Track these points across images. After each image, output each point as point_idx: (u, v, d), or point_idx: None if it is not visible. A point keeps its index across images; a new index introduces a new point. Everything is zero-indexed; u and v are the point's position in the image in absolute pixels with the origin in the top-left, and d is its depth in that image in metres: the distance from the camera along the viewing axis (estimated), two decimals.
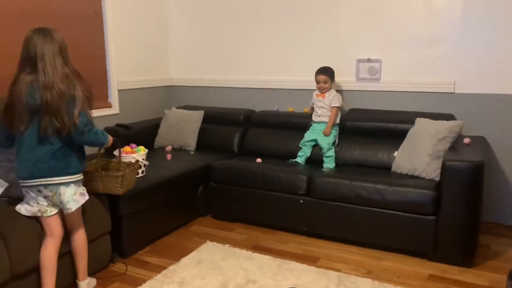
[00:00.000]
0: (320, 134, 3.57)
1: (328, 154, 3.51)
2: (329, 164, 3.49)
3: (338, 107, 3.57)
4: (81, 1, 3.70)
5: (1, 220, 2.16)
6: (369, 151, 3.48)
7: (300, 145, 3.66)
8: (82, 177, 2.33)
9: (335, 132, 3.58)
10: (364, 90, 3.82)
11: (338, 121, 3.61)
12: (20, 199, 2.36)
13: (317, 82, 3.62)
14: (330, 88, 3.62)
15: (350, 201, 3.06)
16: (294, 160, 3.63)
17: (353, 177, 3.11)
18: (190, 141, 4.07)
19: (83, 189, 2.34)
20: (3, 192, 2.40)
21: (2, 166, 2.47)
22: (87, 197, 2.35)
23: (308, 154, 3.61)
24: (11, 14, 3.18)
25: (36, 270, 2.25)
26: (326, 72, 3.61)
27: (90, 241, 2.54)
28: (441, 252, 2.83)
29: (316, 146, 3.61)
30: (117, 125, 3.97)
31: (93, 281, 2.56)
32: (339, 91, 3.77)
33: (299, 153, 3.64)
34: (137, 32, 4.30)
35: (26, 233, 2.21)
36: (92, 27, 3.84)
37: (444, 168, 2.76)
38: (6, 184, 2.40)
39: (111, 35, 3.96)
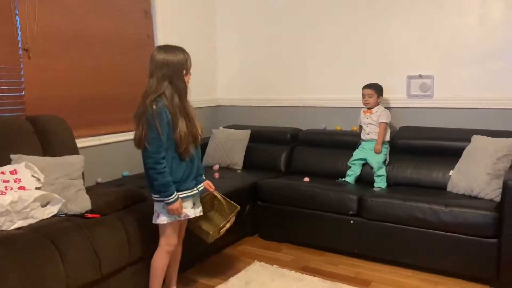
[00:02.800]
0: (370, 153, 3.48)
1: (378, 173, 3.41)
2: (380, 183, 3.38)
3: (386, 123, 3.47)
4: (134, 25, 3.87)
5: (59, 235, 2.23)
6: (422, 170, 3.34)
7: (349, 164, 3.59)
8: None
9: (385, 150, 3.48)
10: (415, 107, 3.71)
11: (388, 138, 3.51)
12: (77, 216, 2.44)
13: (363, 96, 3.56)
14: (378, 104, 3.53)
15: (403, 222, 2.94)
16: (343, 179, 3.55)
17: (406, 197, 2.99)
18: (237, 160, 4.09)
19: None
20: (60, 209, 2.48)
21: (60, 182, 2.57)
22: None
23: (358, 173, 3.52)
24: (68, 38, 3.35)
25: (90, 286, 2.30)
26: (372, 87, 3.54)
27: (140, 259, 2.57)
28: (505, 278, 2.65)
29: (365, 165, 3.52)
30: None
31: None
32: (389, 108, 3.68)
33: (348, 172, 3.56)
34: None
35: (82, 249, 2.27)
36: (145, 50, 3.98)
37: (506, 188, 2.60)
38: (62, 201, 2.49)
39: None
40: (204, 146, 4.26)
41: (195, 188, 2.45)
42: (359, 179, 3.52)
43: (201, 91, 4.65)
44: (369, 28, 3.86)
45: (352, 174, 3.53)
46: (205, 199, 2.71)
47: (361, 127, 3.64)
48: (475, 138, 3.14)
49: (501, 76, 3.37)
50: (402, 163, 3.45)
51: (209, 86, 4.77)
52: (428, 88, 3.65)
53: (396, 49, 3.76)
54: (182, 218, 2.41)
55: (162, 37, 4.07)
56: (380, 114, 3.49)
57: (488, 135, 3.11)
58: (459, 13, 3.47)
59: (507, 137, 3.04)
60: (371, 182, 3.43)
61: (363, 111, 3.60)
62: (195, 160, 2.44)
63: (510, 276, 2.63)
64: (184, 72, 2.53)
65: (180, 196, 2.33)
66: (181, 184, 2.34)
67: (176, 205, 2.29)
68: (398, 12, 3.71)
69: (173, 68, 2.44)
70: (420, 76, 3.66)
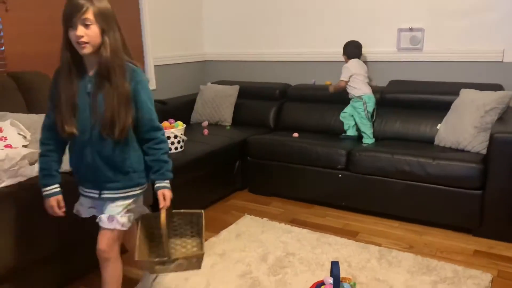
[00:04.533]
0: (353, 111, 3.50)
1: (362, 129, 3.41)
2: (366, 139, 3.40)
3: (341, 80, 3.51)
4: None
5: None
6: (410, 124, 3.37)
7: (341, 119, 3.58)
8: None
9: (361, 105, 3.43)
10: (405, 61, 3.68)
11: (366, 92, 3.45)
12: (67, 173, 2.43)
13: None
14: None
15: (391, 175, 2.99)
16: (344, 134, 3.54)
17: (394, 150, 3.03)
18: (226, 116, 4.07)
19: None
20: None
21: None
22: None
23: (354, 123, 3.51)
24: None
25: None
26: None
27: None
28: (487, 227, 2.75)
29: None
30: (155, 100, 4.00)
31: None
32: (378, 62, 3.66)
33: (345, 126, 3.55)
34: (171, 7, 4.27)
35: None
36: (128, 3, 3.84)
37: (492, 141, 2.65)
38: None
39: (146, 10, 3.96)
40: (192, 103, 4.22)
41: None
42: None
43: (187, 46, 4.55)
44: None
45: (349, 127, 3.53)
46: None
47: None
48: (464, 92, 3.15)
49: (491, 28, 3.34)
50: (390, 117, 3.46)
51: (195, 40, 4.66)
52: (419, 41, 3.61)
53: (386, 1, 3.68)
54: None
55: None
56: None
57: (476, 89, 3.11)
58: None
59: (495, 90, 3.05)
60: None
61: None
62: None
63: (491, 226, 2.73)
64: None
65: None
66: None
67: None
68: None
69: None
70: (411, 29, 3.62)
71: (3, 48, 2.96)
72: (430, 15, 3.53)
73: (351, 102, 3.53)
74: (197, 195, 3.25)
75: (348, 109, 3.56)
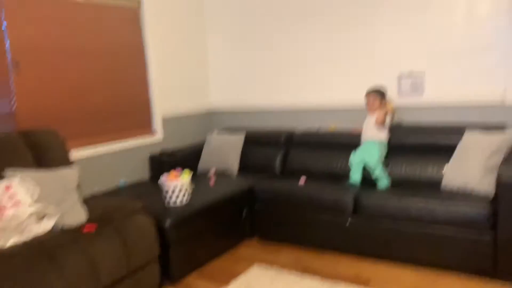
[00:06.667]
0: (365, 153, 3.46)
1: (375, 172, 3.39)
2: (381, 182, 3.35)
3: (386, 113, 3.47)
4: (125, 35, 3.87)
5: (55, 250, 2.22)
6: (417, 167, 3.35)
7: (350, 166, 3.55)
8: None
9: (378, 150, 3.43)
10: (407, 106, 3.72)
11: (384, 138, 3.50)
12: (74, 229, 2.44)
13: (367, 102, 3.57)
14: (380, 108, 3.51)
15: (400, 219, 2.95)
16: (350, 181, 3.48)
17: (401, 195, 3.01)
18: (233, 164, 4.10)
19: None
20: (56, 222, 2.48)
21: (55, 195, 2.56)
22: None
23: (360, 172, 3.47)
24: (59, 50, 3.35)
25: None
26: (373, 91, 3.56)
27: (139, 268, 2.58)
28: (502, 270, 2.66)
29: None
30: (162, 152, 4.07)
31: None
32: None
33: (351, 174, 3.50)
34: (178, 60, 4.42)
35: (79, 263, 2.26)
36: (136, 59, 3.99)
37: (500, 183, 2.62)
38: (58, 215, 2.48)
39: (153, 65, 4.10)
40: (199, 152, 4.27)
41: None
42: (363, 179, 3.46)
43: (194, 97, 4.66)
44: (359, 29, 3.87)
45: (355, 174, 3.48)
46: None
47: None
48: (468, 134, 3.16)
49: (491, 70, 3.38)
50: (396, 161, 3.46)
51: (202, 92, 4.78)
52: (419, 86, 3.66)
53: (385, 49, 3.78)
54: None
55: (152, 46, 4.08)
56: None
57: (480, 130, 3.13)
58: (446, 9, 3.49)
59: (499, 130, 3.06)
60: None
61: (368, 113, 3.60)
62: None
63: (507, 268, 2.65)
64: None
65: None
66: None
67: None
68: (387, 12, 3.72)
69: None
70: (410, 75, 3.68)
71: (14, 107, 3.06)
72: (429, 61, 3.60)
73: (366, 145, 3.48)
74: (204, 246, 3.22)
75: (360, 153, 3.49)
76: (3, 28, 2.99)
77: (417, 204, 2.88)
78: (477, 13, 3.39)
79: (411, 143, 3.48)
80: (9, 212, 2.24)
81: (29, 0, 3.13)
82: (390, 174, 3.42)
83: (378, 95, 3.55)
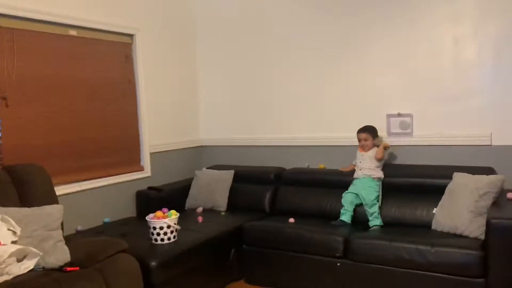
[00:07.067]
0: (362, 190, 3.45)
1: (371, 210, 3.37)
2: (374, 221, 3.34)
3: (385, 148, 3.57)
4: (115, 70, 3.87)
5: None
6: (406, 208, 3.35)
7: (342, 203, 3.52)
8: None
9: (377, 187, 3.45)
10: (396, 145, 3.75)
11: (381, 175, 3.51)
12: (56, 269, 2.36)
13: (359, 140, 3.61)
14: (374, 146, 3.57)
15: (390, 263, 2.91)
16: (339, 220, 3.45)
17: (392, 237, 2.98)
18: (221, 201, 4.04)
19: None
20: (37, 262, 2.39)
21: (38, 234, 2.48)
22: None
23: (352, 212, 3.45)
24: (48, 84, 3.33)
25: None
26: (366, 130, 3.60)
27: None
28: None
29: (359, 205, 3.47)
30: (149, 188, 4.01)
31: None
32: None
33: (342, 211, 3.48)
34: (168, 96, 4.43)
35: None
36: (126, 95, 3.98)
37: (489, 227, 2.61)
38: (39, 254, 2.39)
39: (143, 101, 4.10)
40: (187, 188, 4.21)
41: None
42: (353, 220, 3.45)
43: (184, 132, 4.64)
44: (348, 68, 3.95)
45: (346, 213, 3.46)
46: None
47: (354, 165, 3.64)
48: (456, 176, 3.17)
49: (477, 113, 3.45)
50: (386, 202, 3.44)
51: (192, 127, 4.77)
52: (408, 125, 3.71)
53: (375, 89, 3.84)
54: None
55: (143, 81, 4.09)
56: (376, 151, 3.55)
57: (468, 172, 3.15)
58: (435, 53, 3.58)
59: (487, 174, 3.08)
60: (365, 221, 3.38)
61: (360, 149, 3.62)
62: None
63: None
64: None
65: None
66: None
67: None
68: (377, 52, 3.81)
69: None
70: (399, 115, 3.73)
71: (0, 142, 3.01)
72: (417, 101, 3.67)
73: (364, 183, 3.47)
74: (192, 287, 3.12)
75: (353, 190, 3.50)
76: None
77: (408, 248, 2.85)
78: (464, 59, 3.48)
79: (401, 183, 3.48)
80: None
81: (19, 33, 3.13)
82: (379, 213, 3.40)
83: (370, 133, 3.58)
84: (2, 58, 3.02)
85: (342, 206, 3.51)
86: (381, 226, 3.33)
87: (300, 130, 4.25)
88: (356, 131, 3.66)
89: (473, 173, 3.10)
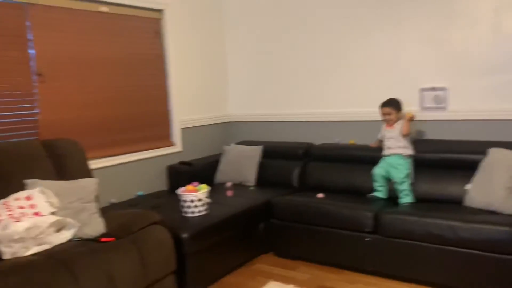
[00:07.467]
0: (392, 168, 3.41)
1: (401, 187, 3.33)
2: (405, 198, 3.31)
3: (410, 119, 3.42)
4: (145, 46, 3.91)
5: (73, 261, 2.23)
6: (439, 184, 3.28)
7: (373, 179, 3.49)
8: None
9: (406, 164, 3.39)
10: (430, 120, 3.65)
11: (411, 152, 3.42)
12: (92, 240, 2.46)
13: (382, 115, 3.52)
14: (398, 119, 3.47)
15: (420, 239, 2.88)
16: (373, 194, 3.45)
17: (423, 213, 2.94)
18: (250, 176, 4.08)
19: None
20: (74, 233, 2.49)
21: (74, 206, 2.58)
22: None
23: (387, 186, 3.43)
24: (81, 61, 3.40)
25: None
26: (389, 104, 3.49)
27: (156, 281, 2.57)
28: None
29: (391, 181, 3.43)
30: (180, 162, 4.08)
31: None
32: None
33: (378, 187, 3.46)
34: (196, 72, 4.44)
35: (97, 274, 2.26)
36: (156, 70, 4.02)
37: None
38: (77, 225, 2.50)
39: (173, 76, 4.13)
40: (216, 163, 4.26)
41: None
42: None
43: (212, 108, 4.67)
44: (381, 41, 3.84)
45: (381, 189, 3.44)
46: None
47: (381, 141, 3.58)
48: (492, 151, 3.07)
49: None
50: (418, 178, 3.38)
51: (221, 102, 4.79)
52: (442, 100, 3.60)
53: (408, 62, 3.73)
54: None
55: (172, 57, 4.11)
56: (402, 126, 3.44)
57: (505, 148, 3.04)
58: (472, 24, 3.43)
59: None
60: (396, 197, 3.36)
61: (385, 125, 3.54)
62: None
63: None
64: None
65: None
66: None
67: None
68: (410, 24, 3.68)
69: None
70: (433, 89, 3.62)
71: (37, 118, 3.11)
72: (453, 74, 3.54)
73: (394, 160, 3.41)
74: (221, 259, 3.20)
75: (383, 167, 3.46)
76: (29, 38, 3.05)
77: (439, 223, 2.81)
78: (504, 30, 3.32)
79: (433, 159, 3.40)
80: (30, 222, 2.26)
81: (54, 10, 3.19)
82: (411, 190, 3.36)
83: (393, 107, 3.48)
84: (37, 35, 3.10)
85: (374, 182, 3.48)
86: (412, 202, 3.29)
87: (330, 105, 4.20)
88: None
89: (510, 149, 3.00)
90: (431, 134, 3.65)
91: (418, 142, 3.58)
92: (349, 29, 3.99)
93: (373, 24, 3.86)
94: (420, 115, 3.65)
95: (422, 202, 3.26)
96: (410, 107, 3.66)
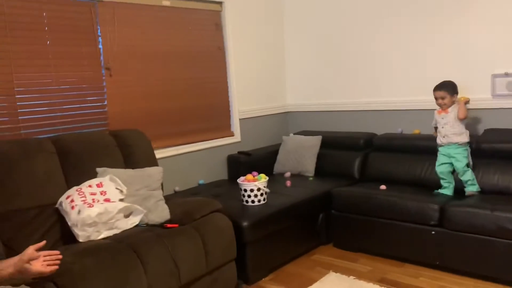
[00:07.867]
0: (452, 159, 3.24)
1: (464, 178, 3.17)
2: (470, 187, 3.15)
3: (466, 102, 3.24)
4: (206, 38, 3.98)
5: (141, 245, 2.34)
6: (510, 176, 3.08)
7: (439, 176, 3.33)
8: None
9: (465, 152, 3.21)
10: (502, 108, 3.42)
11: (467, 139, 3.23)
12: (157, 226, 2.57)
13: (436, 99, 3.32)
14: (453, 103, 3.27)
15: (490, 233, 2.72)
16: (439, 191, 3.28)
17: (494, 206, 2.77)
18: (309, 167, 4.05)
19: None
20: (141, 219, 2.61)
21: (141, 193, 2.70)
22: None
23: (453, 183, 3.26)
24: (145, 55, 3.53)
25: None
26: (443, 87, 3.26)
27: (217, 268, 2.64)
28: None
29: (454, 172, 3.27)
30: (239, 152, 4.14)
31: None
32: (471, 109, 3.42)
33: (444, 184, 3.29)
34: (255, 63, 4.47)
35: (162, 259, 2.36)
36: (216, 62, 4.09)
37: None
38: (143, 212, 2.61)
39: (233, 68, 4.18)
40: (275, 153, 4.27)
41: None
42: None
43: (271, 98, 4.68)
44: (446, 24, 3.64)
45: (449, 185, 3.27)
46: None
47: (436, 129, 3.41)
48: None
49: None
50: (488, 169, 3.19)
51: (279, 92, 4.78)
52: None
53: (477, 46, 3.51)
54: None
55: (232, 48, 4.16)
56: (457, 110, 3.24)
57: None
58: None
59: None
60: (462, 189, 3.21)
61: (437, 111, 3.36)
62: None
63: None
64: None
65: None
66: None
67: None
68: (480, 4, 3.46)
69: None
70: (507, 74, 3.39)
71: (106, 109, 3.28)
72: None
73: (451, 151, 3.24)
74: (280, 249, 3.22)
75: (445, 162, 3.28)
76: (98, 33, 3.21)
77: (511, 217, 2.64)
78: None
79: (505, 149, 3.20)
80: (101, 207, 2.39)
81: (120, 6, 3.33)
82: (480, 182, 3.18)
83: (448, 90, 3.25)
84: (105, 30, 3.25)
85: (440, 178, 3.30)
86: (480, 193, 3.12)
87: (393, 93, 4.05)
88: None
89: None
90: (503, 123, 3.42)
91: (490, 131, 3.37)
92: (415, 11, 3.81)
93: (440, 6, 3.66)
94: (492, 103, 3.43)
95: (492, 194, 3.07)
96: (480, 94, 3.45)
